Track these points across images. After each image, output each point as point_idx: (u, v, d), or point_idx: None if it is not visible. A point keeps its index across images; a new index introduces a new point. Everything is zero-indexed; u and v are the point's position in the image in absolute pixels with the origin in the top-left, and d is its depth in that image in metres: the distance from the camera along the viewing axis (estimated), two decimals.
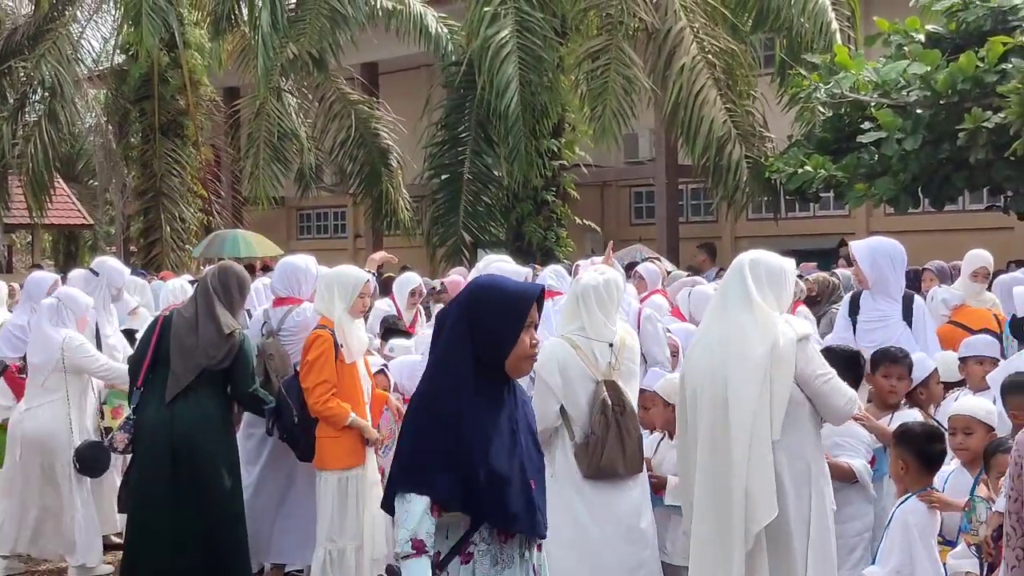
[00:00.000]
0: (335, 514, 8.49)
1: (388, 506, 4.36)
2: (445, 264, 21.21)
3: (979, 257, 11.66)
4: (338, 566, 8.51)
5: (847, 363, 6.95)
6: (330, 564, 8.50)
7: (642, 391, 7.54)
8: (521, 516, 4.37)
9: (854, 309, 9.09)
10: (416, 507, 4.24)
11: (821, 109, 17.70)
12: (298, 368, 8.68)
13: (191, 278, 17.37)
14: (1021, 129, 13.52)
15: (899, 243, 9.28)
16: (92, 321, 10.20)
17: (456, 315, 4.50)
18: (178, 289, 11.81)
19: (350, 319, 8.53)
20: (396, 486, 4.34)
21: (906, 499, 6.15)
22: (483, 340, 4.40)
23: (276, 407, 8.69)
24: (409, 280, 12.18)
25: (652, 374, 8.13)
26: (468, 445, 4.28)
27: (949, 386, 7.98)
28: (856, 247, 9.28)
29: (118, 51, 27.92)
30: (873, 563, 6.29)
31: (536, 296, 4.48)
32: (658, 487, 7.33)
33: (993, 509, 5.45)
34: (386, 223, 24.56)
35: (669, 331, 10.00)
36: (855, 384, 6.80)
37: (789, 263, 6.37)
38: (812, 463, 6.11)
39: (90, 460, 9.23)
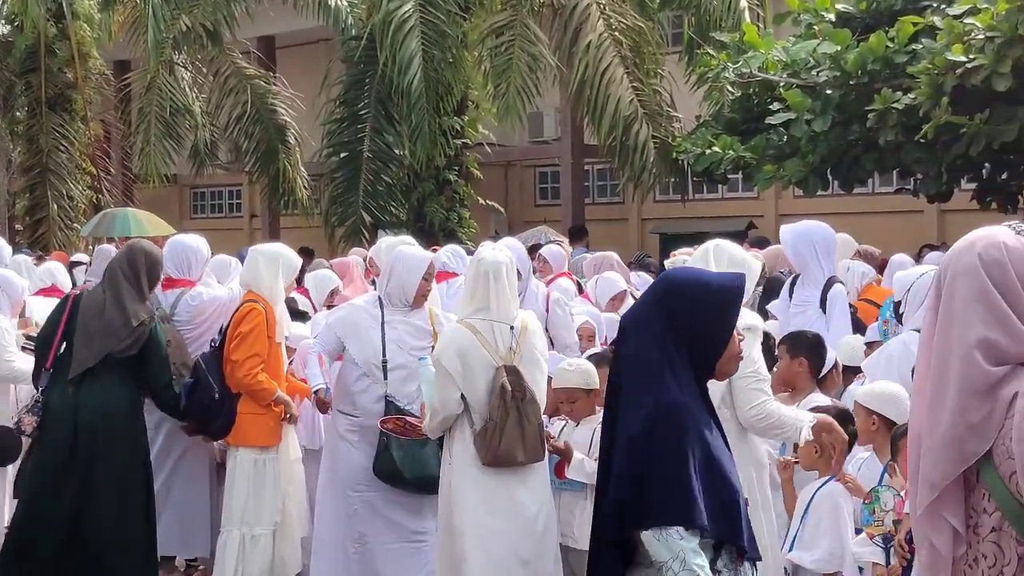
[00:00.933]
0: (250, 496, 8.28)
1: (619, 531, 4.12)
2: (344, 244, 20.78)
3: (847, 243, 11.54)
4: (251, 551, 8.28)
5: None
6: (243, 550, 8.26)
7: (559, 387, 7.31)
8: (750, 537, 4.23)
9: (791, 293, 9.19)
10: (689, 545, 4.01)
11: (730, 89, 17.47)
12: (213, 345, 8.51)
13: (84, 257, 16.73)
14: (931, 111, 13.28)
15: (828, 229, 9.20)
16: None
17: (656, 316, 4.16)
18: (46, 273, 11.26)
19: (281, 299, 8.49)
20: (652, 520, 4.03)
21: (826, 482, 6.21)
22: (696, 343, 4.12)
23: (192, 383, 8.40)
24: (328, 280, 11.30)
25: (553, 359, 7.81)
26: (717, 467, 4.06)
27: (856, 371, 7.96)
28: (781, 232, 9.36)
29: (2, 22, 27.33)
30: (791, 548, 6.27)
31: (741, 286, 4.25)
32: (561, 463, 7.10)
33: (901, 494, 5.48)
34: (283, 202, 24.12)
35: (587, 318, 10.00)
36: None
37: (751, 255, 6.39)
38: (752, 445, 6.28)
39: None
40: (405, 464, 7.69)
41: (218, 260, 9.70)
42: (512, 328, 6.84)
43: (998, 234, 3.15)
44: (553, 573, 6.83)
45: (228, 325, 8.38)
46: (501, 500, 6.75)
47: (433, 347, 7.35)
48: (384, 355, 7.85)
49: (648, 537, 4.04)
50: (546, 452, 6.91)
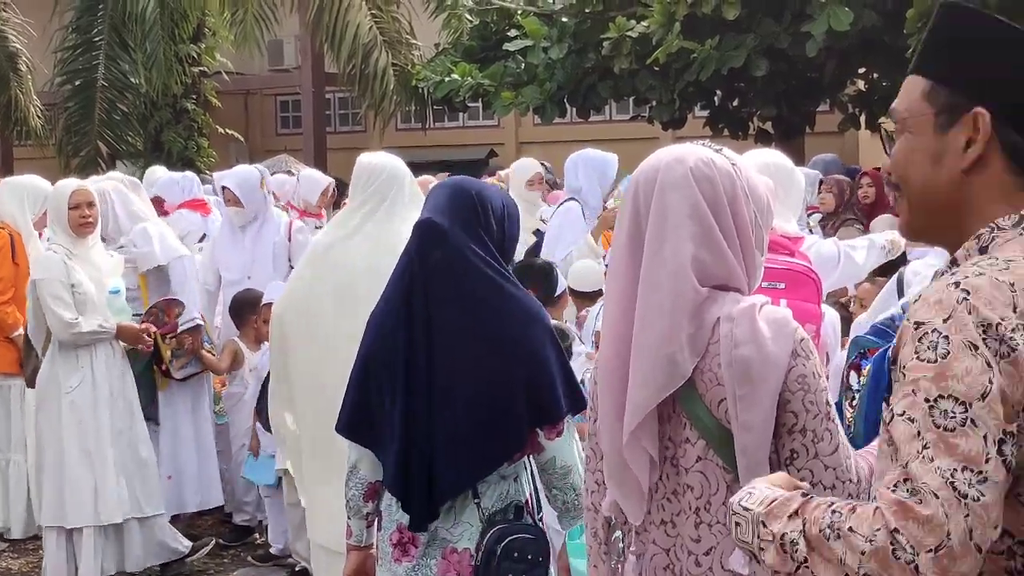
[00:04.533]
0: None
1: None
2: (79, 175, 20.16)
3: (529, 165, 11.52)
4: (11, 478, 8.32)
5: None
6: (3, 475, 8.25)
7: None
8: None
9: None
10: None
11: (468, 17, 17.54)
12: None
13: None
14: (663, 38, 13.56)
15: (604, 154, 9.28)
16: None
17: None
18: None
19: (33, 232, 8.24)
20: None
21: None
22: None
23: None
24: None
25: (277, 287, 7.77)
26: None
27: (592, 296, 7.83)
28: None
29: None
30: None
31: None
32: None
33: None
34: (16, 132, 23.35)
35: None
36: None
37: None
38: None
39: None
40: None
41: None
42: None
43: (702, 151, 3.07)
44: None
45: None
46: None
47: None
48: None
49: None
50: None
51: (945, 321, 2.08)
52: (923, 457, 2.00)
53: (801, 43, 13.26)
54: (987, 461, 2.00)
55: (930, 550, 1.97)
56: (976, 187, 2.28)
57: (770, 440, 2.88)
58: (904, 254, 6.54)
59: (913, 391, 2.06)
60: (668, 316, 2.92)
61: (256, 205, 9.04)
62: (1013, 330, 2.07)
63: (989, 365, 2.04)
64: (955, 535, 1.97)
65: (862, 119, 16.48)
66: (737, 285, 3.00)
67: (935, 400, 2.04)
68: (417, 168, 16.75)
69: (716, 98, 16.07)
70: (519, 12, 15.74)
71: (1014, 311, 2.09)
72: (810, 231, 8.93)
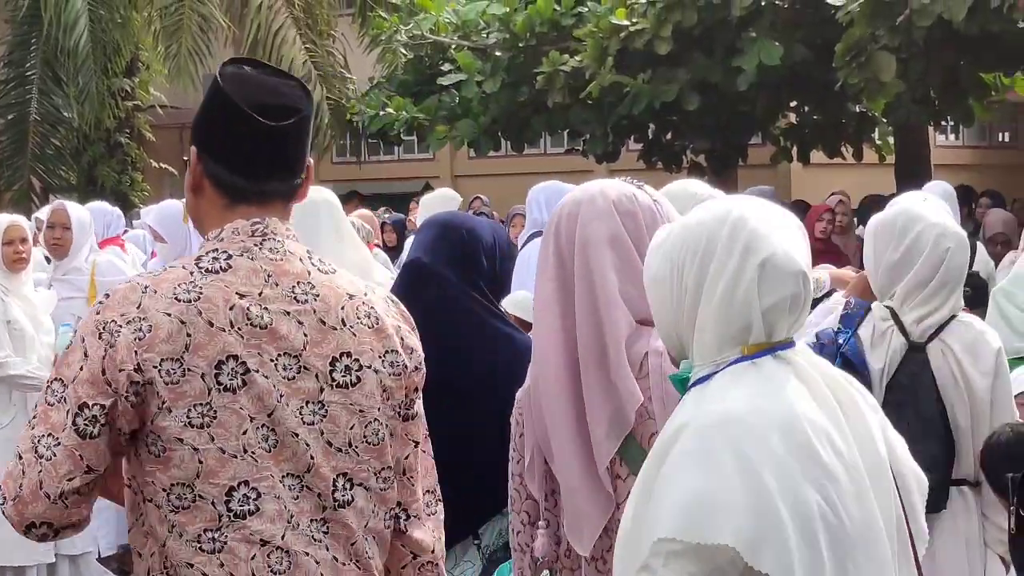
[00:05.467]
0: None
1: None
2: (12, 210, 20.01)
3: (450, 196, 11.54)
4: None
5: None
6: None
7: None
8: None
9: None
10: None
11: (403, 51, 17.52)
12: None
13: None
14: (596, 72, 13.64)
15: (564, 186, 9.31)
16: None
17: None
18: None
19: None
20: None
21: None
22: None
23: None
24: None
25: None
26: None
27: None
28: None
29: None
30: None
31: None
32: None
33: None
34: None
35: None
36: None
37: None
38: None
39: None
40: None
41: None
42: None
43: (625, 186, 3.13)
44: None
45: None
46: None
47: None
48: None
49: None
50: None
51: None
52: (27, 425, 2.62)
53: (733, 77, 13.36)
54: (64, 430, 2.55)
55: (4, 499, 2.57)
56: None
57: None
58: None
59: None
60: (612, 347, 2.93)
61: (180, 240, 8.93)
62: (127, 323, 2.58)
63: (86, 355, 2.58)
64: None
65: (794, 151, 16.64)
66: None
67: (50, 382, 2.61)
68: (353, 201, 16.74)
69: (650, 131, 16.15)
70: (453, 46, 15.77)
71: (137, 308, 2.59)
72: None
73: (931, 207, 4.49)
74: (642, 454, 2.86)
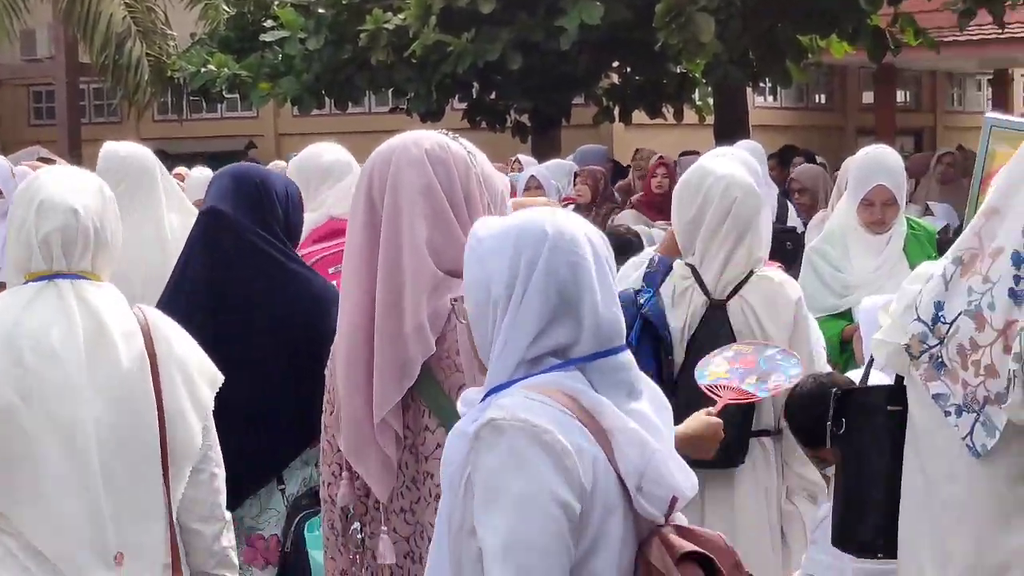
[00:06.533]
0: None
1: None
2: None
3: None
4: None
5: None
6: None
7: None
8: None
9: None
10: None
11: (225, 7, 17.32)
12: None
13: None
14: (420, 31, 13.63)
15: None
16: None
17: None
18: None
19: None
20: None
21: None
22: None
23: None
24: None
25: None
26: None
27: None
28: None
29: None
30: None
31: None
32: None
33: None
34: None
35: None
36: None
37: None
38: None
39: None
40: None
41: None
42: None
43: (438, 136, 3.09)
44: None
45: None
46: None
47: None
48: None
49: None
50: None
51: None
52: None
53: (555, 37, 13.45)
54: None
55: None
56: None
57: None
58: None
59: None
60: (410, 296, 2.91)
61: (11, 194, 8.79)
62: None
63: None
64: None
65: (616, 112, 16.82)
66: None
67: None
68: (174, 159, 16.64)
69: (474, 91, 16.19)
70: (276, 3, 15.65)
71: None
72: None
73: (725, 161, 4.50)
74: (451, 406, 2.86)
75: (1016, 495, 3.02)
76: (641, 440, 2.31)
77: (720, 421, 3.43)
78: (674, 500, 2.35)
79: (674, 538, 2.31)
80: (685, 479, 2.38)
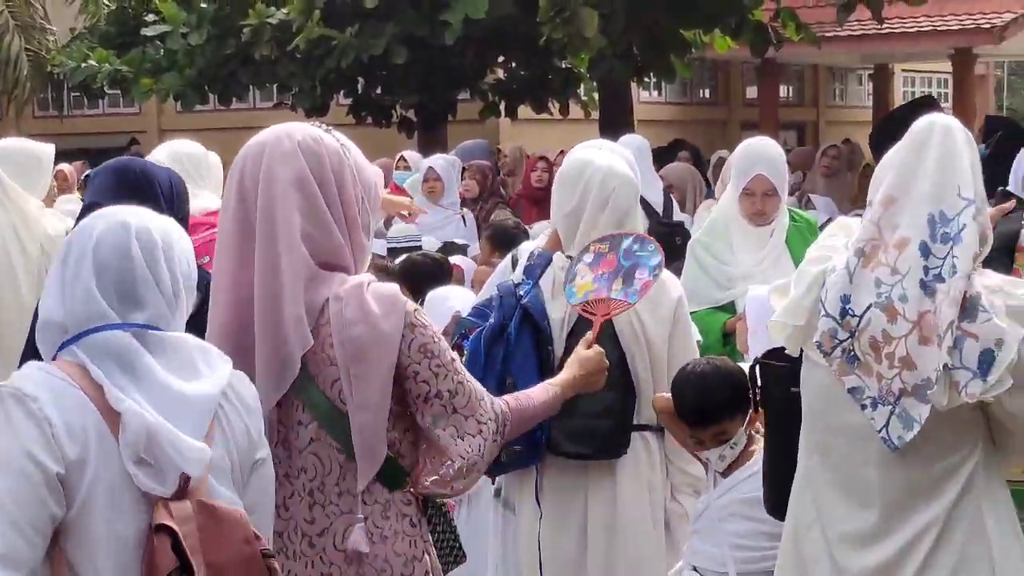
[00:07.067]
0: None
1: None
2: None
3: None
4: None
5: None
6: None
7: None
8: None
9: None
10: None
11: (106, 2, 17.16)
12: None
13: None
14: (303, 25, 13.58)
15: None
16: None
17: None
18: None
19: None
20: None
21: None
22: None
23: None
24: None
25: None
26: None
27: None
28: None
29: None
30: None
31: None
32: None
33: None
34: None
35: None
36: None
37: None
38: None
39: None
40: None
41: None
42: None
43: (311, 128, 3.08)
44: None
45: None
46: None
47: None
48: None
49: None
50: None
51: None
52: None
53: (440, 32, 13.44)
54: None
55: None
56: None
57: (387, 418, 2.92)
58: None
59: None
60: (288, 288, 2.91)
61: None
62: None
63: None
64: None
65: (502, 107, 16.84)
66: (344, 264, 3.00)
67: None
68: (56, 156, 16.32)
69: (359, 86, 16.14)
70: None
71: None
72: None
73: (602, 153, 4.47)
74: (323, 399, 2.93)
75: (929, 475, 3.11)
76: (140, 419, 2.44)
77: (600, 349, 3.50)
78: (186, 477, 2.48)
79: (163, 511, 2.45)
80: (193, 455, 2.49)
